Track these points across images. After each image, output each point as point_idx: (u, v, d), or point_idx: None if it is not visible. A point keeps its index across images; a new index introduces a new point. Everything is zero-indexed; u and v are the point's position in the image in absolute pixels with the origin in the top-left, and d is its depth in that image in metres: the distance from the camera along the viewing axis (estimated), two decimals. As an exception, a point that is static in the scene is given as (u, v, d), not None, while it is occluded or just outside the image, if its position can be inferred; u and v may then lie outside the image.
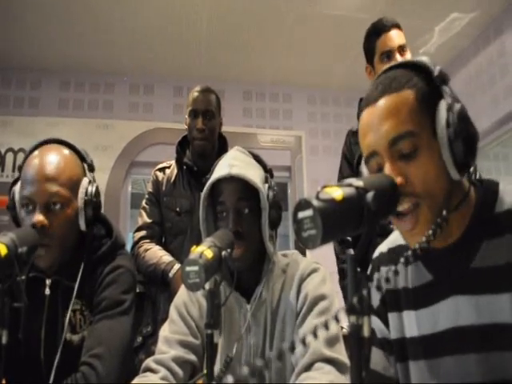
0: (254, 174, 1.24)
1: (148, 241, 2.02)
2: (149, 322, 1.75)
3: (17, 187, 1.32)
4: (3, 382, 1.02)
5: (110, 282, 1.34)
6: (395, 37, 1.89)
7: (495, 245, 0.84)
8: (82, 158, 1.40)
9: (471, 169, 1.13)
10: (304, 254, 1.40)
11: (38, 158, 1.31)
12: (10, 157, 3.89)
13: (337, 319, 0.58)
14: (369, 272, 1.04)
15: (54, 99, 4.11)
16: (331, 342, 1.11)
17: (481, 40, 3.64)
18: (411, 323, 0.92)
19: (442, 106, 0.82)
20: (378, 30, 1.94)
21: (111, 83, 4.20)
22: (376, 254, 1.04)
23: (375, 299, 0.99)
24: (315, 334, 0.56)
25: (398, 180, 0.79)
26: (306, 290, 1.22)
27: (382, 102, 0.85)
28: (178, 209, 2.04)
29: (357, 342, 0.60)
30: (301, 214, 0.58)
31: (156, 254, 1.94)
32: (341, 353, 1.11)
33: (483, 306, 0.82)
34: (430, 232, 0.78)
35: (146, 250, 1.97)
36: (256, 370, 0.50)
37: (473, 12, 3.41)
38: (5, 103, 4.02)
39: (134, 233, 2.09)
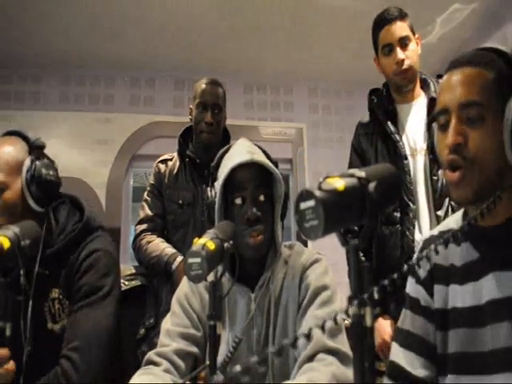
0: (271, 164, 1.25)
1: (150, 233, 2.02)
2: (151, 314, 1.75)
3: None
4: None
5: (88, 268, 1.32)
6: (395, 30, 1.87)
7: None
8: (25, 140, 1.40)
9: None
10: (305, 246, 1.40)
11: None
12: (11, 151, 3.88)
13: (347, 314, 0.59)
14: (418, 251, 1.15)
15: (55, 93, 4.10)
16: (334, 333, 1.12)
17: (482, 31, 3.62)
18: (456, 296, 1.00)
19: None
20: (379, 23, 1.93)
21: (112, 77, 4.19)
22: (427, 236, 1.14)
23: (423, 270, 1.08)
24: (323, 328, 0.57)
25: (459, 139, 0.92)
26: (307, 281, 1.22)
27: (463, 70, 0.96)
28: (180, 201, 2.04)
29: (359, 333, 0.60)
30: (303, 205, 0.58)
31: (158, 246, 1.95)
32: (343, 344, 1.12)
33: None
34: (484, 206, 0.86)
35: (149, 243, 1.97)
36: (251, 367, 0.50)
37: (474, 2, 3.39)
38: (6, 98, 4.02)
39: (136, 225, 2.10)
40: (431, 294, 1.05)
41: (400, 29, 1.87)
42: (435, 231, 1.12)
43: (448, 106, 0.96)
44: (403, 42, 1.86)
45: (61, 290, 1.31)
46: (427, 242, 1.11)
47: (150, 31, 3.62)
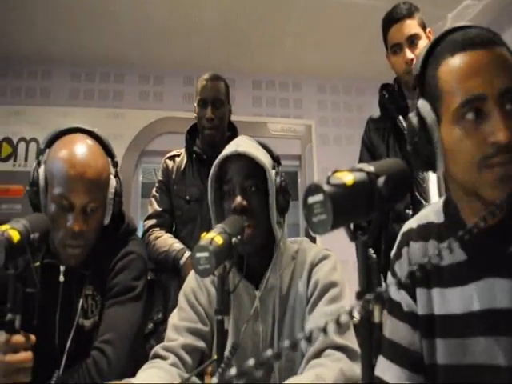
0: (261, 155, 1.24)
1: (158, 229, 2.03)
2: (160, 308, 1.76)
3: (41, 172, 1.27)
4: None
5: (122, 268, 1.36)
6: (403, 29, 1.85)
7: None
8: (108, 152, 1.40)
9: None
10: (314, 242, 1.39)
11: (73, 153, 1.26)
12: (22, 146, 3.92)
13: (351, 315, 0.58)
14: (396, 246, 1.03)
15: (65, 89, 4.13)
16: (342, 330, 1.11)
17: (494, 27, 3.52)
18: (441, 301, 0.92)
19: None
20: (388, 22, 1.91)
21: (121, 73, 4.21)
22: (405, 229, 1.03)
23: (403, 273, 0.96)
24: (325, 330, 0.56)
25: (508, 134, 0.77)
26: (316, 277, 1.21)
27: (494, 50, 0.83)
28: (187, 197, 2.04)
29: (367, 329, 0.59)
30: (311, 199, 0.57)
31: (166, 241, 1.95)
32: (351, 340, 1.11)
33: None
34: (503, 203, 0.75)
35: (157, 238, 1.98)
36: (264, 362, 0.50)
37: (486, -2, 3.36)
38: (17, 93, 4.05)
39: (145, 221, 2.10)
40: (414, 298, 0.97)
41: (408, 27, 1.85)
42: (414, 223, 1.02)
43: (485, 92, 0.80)
44: (412, 41, 1.84)
45: (95, 287, 1.34)
46: (405, 237, 1.02)
47: (159, 28, 3.62)
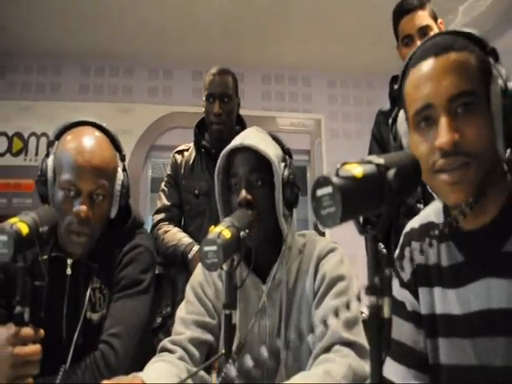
0: (268, 148, 1.22)
1: (167, 223, 2.03)
2: (168, 302, 1.76)
3: (49, 162, 1.30)
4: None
5: (129, 261, 1.36)
6: (415, 20, 1.83)
7: None
8: (116, 146, 1.41)
9: None
10: (323, 236, 1.38)
11: (81, 142, 1.29)
12: (32, 141, 3.95)
13: (359, 299, 0.58)
14: (399, 246, 1.05)
15: (75, 84, 4.15)
16: (350, 325, 1.10)
17: (506, 20, 3.53)
18: (442, 301, 0.93)
19: (497, 77, 0.83)
20: (398, 13, 1.89)
21: (130, 68, 4.22)
22: (407, 229, 1.05)
23: (406, 272, 1.00)
24: (337, 314, 0.55)
25: (455, 136, 0.80)
26: (323, 270, 1.20)
27: (446, 57, 0.84)
28: (196, 191, 2.04)
29: (376, 324, 0.59)
30: (320, 192, 0.56)
31: (175, 235, 1.96)
32: (360, 336, 1.10)
33: None
34: (467, 206, 0.78)
35: (166, 232, 1.98)
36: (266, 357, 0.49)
37: (499, -10, 3.31)
38: (27, 89, 4.08)
39: (153, 215, 2.11)
40: (417, 297, 0.98)
41: (420, 18, 1.83)
42: (416, 223, 1.04)
43: (433, 100, 0.83)
44: (424, 32, 1.82)
45: (102, 280, 1.34)
46: (407, 237, 1.04)
47: (168, 22, 3.62)
